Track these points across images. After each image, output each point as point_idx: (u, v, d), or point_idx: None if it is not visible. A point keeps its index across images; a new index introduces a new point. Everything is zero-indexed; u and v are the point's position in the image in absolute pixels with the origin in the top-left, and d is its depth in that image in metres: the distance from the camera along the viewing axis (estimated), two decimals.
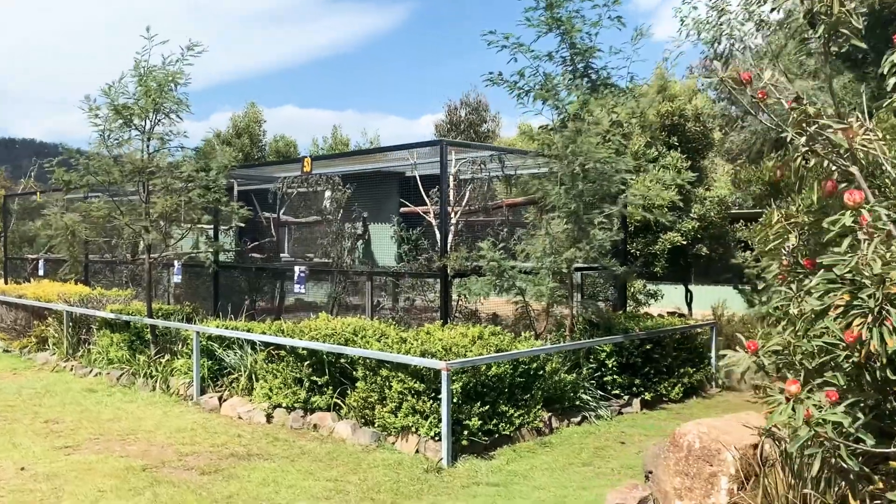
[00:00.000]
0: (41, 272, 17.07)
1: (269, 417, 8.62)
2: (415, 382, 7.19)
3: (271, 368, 8.83)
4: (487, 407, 7.19)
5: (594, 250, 8.26)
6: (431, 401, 7.09)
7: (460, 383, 7.01)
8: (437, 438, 6.97)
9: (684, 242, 13.47)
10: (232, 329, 10.03)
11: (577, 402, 8.35)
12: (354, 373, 8.00)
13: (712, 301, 18.19)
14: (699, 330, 10.32)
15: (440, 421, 6.93)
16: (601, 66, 9.56)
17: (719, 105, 16.00)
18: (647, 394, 9.09)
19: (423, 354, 7.24)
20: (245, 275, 13.04)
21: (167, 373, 10.44)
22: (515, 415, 7.44)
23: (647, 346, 9.20)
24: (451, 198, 9.30)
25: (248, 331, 10.02)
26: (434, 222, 9.19)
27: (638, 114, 8.77)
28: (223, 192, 10.62)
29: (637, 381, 9.07)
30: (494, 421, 7.25)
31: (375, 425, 7.55)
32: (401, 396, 7.30)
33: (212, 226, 12.39)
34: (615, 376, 8.93)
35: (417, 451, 7.07)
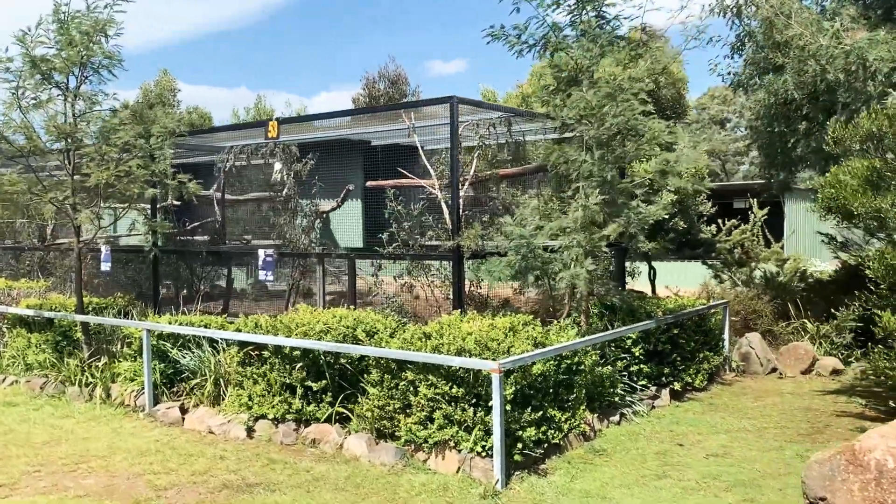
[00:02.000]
0: None
1: (250, 431, 7.16)
2: (449, 386, 5.95)
3: (250, 373, 7.35)
4: (540, 413, 6.04)
5: (633, 225, 7.22)
6: (473, 408, 5.87)
7: (512, 387, 5.82)
8: (484, 455, 5.76)
9: (666, 216, 12.67)
10: (188, 325, 8.45)
11: (616, 399, 7.33)
12: (366, 376, 6.66)
13: (672, 278, 17.61)
14: (713, 310, 9.50)
15: (488, 433, 5.73)
16: (613, 15, 8.46)
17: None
18: (675, 383, 8.19)
19: (459, 353, 6.00)
20: (187, 261, 11.32)
21: (107, 379, 8.73)
22: (563, 419, 6.33)
23: (675, 331, 8.29)
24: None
25: (206, 326, 8.48)
26: (440, 195, 7.91)
27: (659, 70, 7.73)
28: (168, 162, 8.94)
29: (666, 370, 8.14)
30: (543, 428, 6.11)
31: (400, 440, 6.25)
32: (432, 404, 6.04)
33: (147, 204, 10.62)
34: (642, 366, 7.96)
35: (460, 471, 5.84)
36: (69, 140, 8.70)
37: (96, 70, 9.11)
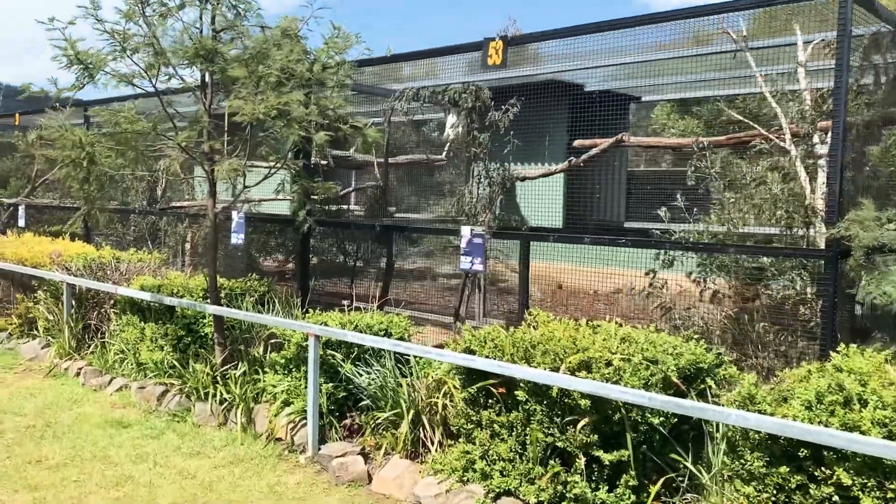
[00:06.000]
0: (21, 222, 12.64)
1: None
2: None
3: (487, 419, 4.69)
4: None
5: None
6: None
7: None
8: None
9: None
10: (366, 328, 5.88)
11: None
12: (707, 451, 3.89)
13: None
14: None
15: None
16: None
17: None
18: None
19: None
20: (340, 236, 8.78)
21: (248, 398, 6.25)
22: None
23: None
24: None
25: (387, 332, 5.91)
26: (794, 151, 5.05)
27: None
28: (345, 95, 6.36)
29: None
30: None
31: None
32: None
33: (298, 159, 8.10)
34: None
35: None
36: (212, 59, 6.17)
37: None
